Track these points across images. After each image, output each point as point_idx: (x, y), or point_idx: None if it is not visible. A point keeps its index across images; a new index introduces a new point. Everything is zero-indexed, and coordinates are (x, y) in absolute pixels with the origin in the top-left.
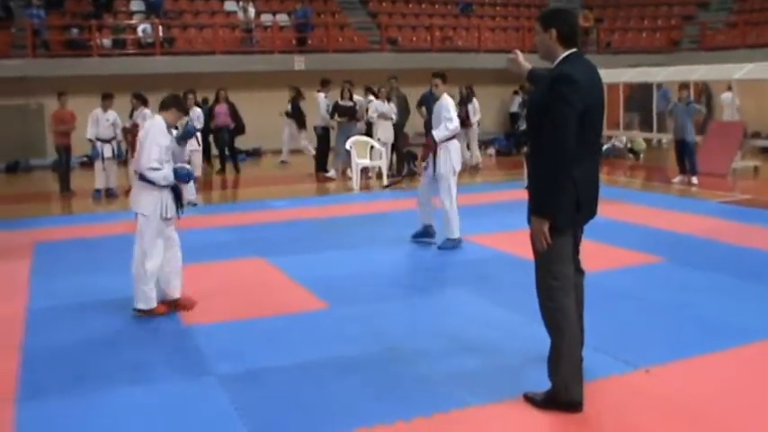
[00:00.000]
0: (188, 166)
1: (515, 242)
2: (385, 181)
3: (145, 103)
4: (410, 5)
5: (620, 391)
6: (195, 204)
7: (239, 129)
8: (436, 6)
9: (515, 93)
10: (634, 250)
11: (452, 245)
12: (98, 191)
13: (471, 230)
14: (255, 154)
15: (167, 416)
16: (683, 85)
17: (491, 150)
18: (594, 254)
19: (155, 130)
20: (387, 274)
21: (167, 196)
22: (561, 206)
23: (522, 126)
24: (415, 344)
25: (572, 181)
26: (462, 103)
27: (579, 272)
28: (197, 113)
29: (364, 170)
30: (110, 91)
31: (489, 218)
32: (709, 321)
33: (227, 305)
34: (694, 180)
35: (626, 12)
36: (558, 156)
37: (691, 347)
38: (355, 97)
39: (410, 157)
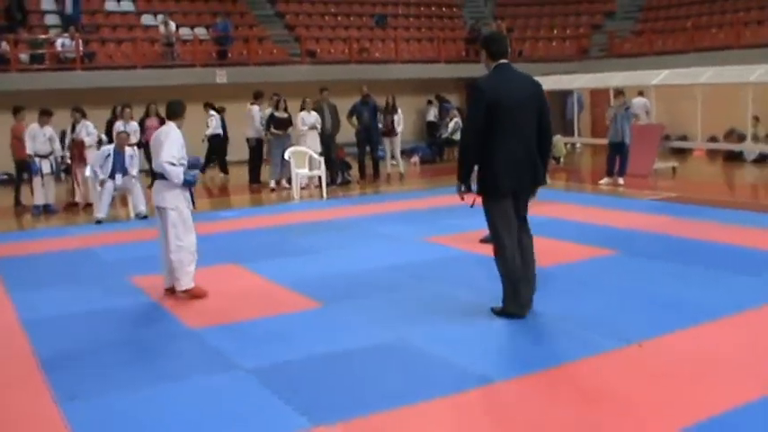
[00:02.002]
0: (195, 172)
1: (470, 241)
2: (324, 190)
3: (84, 116)
4: (326, 18)
5: (622, 361)
6: (146, 216)
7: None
8: (351, 18)
9: (429, 102)
10: (586, 245)
11: None
12: (37, 207)
13: (426, 233)
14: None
15: (215, 405)
16: (619, 92)
17: (415, 159)
18: (551, 249)
19: (175, 134)
20: (366, 273)
21: (185, 191)
22: (467, 177)
23: (444, 134)
24: (419, 330)
25: (491, 160)
26: (388, 113)
27: (525, 233)
28: (133, 127)
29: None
30: (48, 107)
31: (435, 222)
32: (674, 302)
33: (224, 308)
34: (621, 181)
35: (536, 21)
36: (464, 142)
37: (667, 324)
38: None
39: (343, 167)
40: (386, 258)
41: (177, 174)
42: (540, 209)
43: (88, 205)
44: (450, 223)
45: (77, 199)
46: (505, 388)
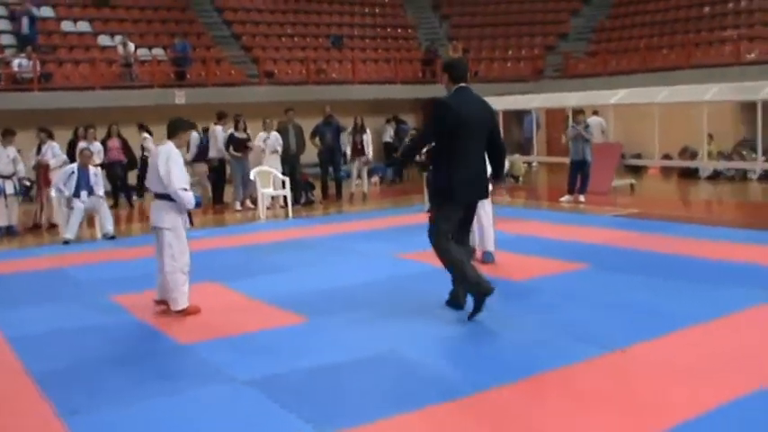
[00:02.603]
0: (198, 196)
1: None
2: (290, 210)
3: (51, 136)
4: (282, 39)
5: (606, 367)
6: (113, 237)
7: (131, 163)
8: (308, 39)
9: (388, 122)
10: (557, 260)
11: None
12: None
13: (396, 250)
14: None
15: (221, 416)
16: (579, 111)
17: (375, 179)
18: (524, 264)
19: (175, 155)
20: (345, 288)
21: (183, 211)
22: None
23: None
24: (406, 342)
25: (450, 175)
26: (357, 133)
27: (460, 243)
28: (97, 148)
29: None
30: (11, 127)
31: (403, 239)
32: (649, 311)
33: (211, 324)
34: (582, 198)
35: (490, 42)
36: (413, 143)
37: (645, 332)
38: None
39: (307, 187)
40: (361, 274)
41: (189, 199)
42: (506, 226)
43: (52, 226)
44: (419, 240)
45: (42, 220)
46: (496, 395)
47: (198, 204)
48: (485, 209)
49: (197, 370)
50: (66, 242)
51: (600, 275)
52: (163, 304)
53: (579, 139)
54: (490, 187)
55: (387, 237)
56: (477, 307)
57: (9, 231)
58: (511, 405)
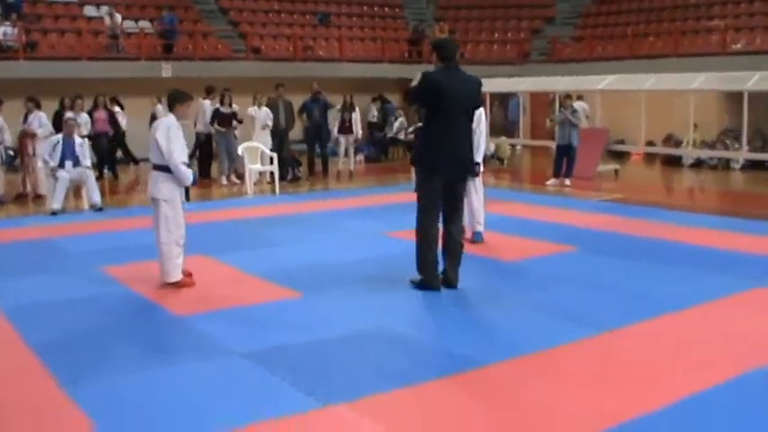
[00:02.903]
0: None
1: None
2: (277, 186)
3: (38, 106)
4: (270, 15)
5: (599, 347)
6: (101, 208)
7: (118, 135)
8: (295, 16)
9: (374, 101)
10: (546, 241)
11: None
12: None
13: (385, 228)
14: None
15: (221, 388)
16: (567, 96)
17: (360, 157)
18: (513, 245)
19: (175, 130)
20: (336, 265)
21: (181, 184)
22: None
23: (390, 133)
24: (401, 318)
25: (431, 145)
26: (346, 111)
27: (455, 219)
28: (84, 119)
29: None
30: None
31: (391, 218)
32: (638, 294)
33: (205, 297)
34: (567, 182)
35: (476, 24)
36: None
37: (635, 314)
38: (235, 106)
39: (293, 163)
40: (351, 251)
41: (188, 175)
42: (493, 207)
43: (38, 196)
44: (407, 219)
45: (28, 190)
46: (488, 372)
47: (194, 182)
48: (476, 188)
49: (195, 342)
50: (54, 213)
51: (588, 258)
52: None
53: (566, 124)
54: (481, 168)
55: (374, 214)
56: (416, 285)
57: None
58: (503, 382)
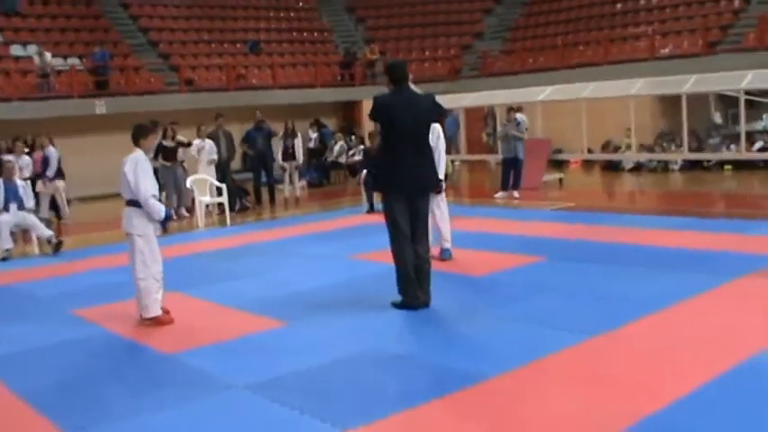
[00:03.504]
0: (169, 209)
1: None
2: (228, 216)
3: None
4: (199, 45)
5: (590, 353)
6: (59, 242)
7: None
8: (225, 45)
9: (311, 125)
10: (513, 253)
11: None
12: None
13: (349, 251)
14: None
15: (233, 422)
16: (510, 108)
17: (302, 182)
18: (480, 259)
19: (143, 164)
20: (312, 291)
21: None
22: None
23: (330, 157)
24: (391, 339)
25: (386, 168)
26: (288, 137)
27: (420, 238)
28: (26, 161)
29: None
30: None
31: (351, 240)
32: (616, 297)
33: (188, 332)
34: (516, 194)
35: (406, 44)
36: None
37: (618, 318)
38: (178, 137)
39: (240, 193)
40: (321, 277)
41: (159, 210)
42: (452, 223)
43: None
44: (368, 241)
45: None
46: (489, 386)
47: (168, 217)
48: (439, 206)
49: (190, 378)
50: (5, 258)
51: (558, 266)
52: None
53: (510, 137)
54: (443, 185)
55: (332, 239)
56: (397, 305)
57: None
58: (506, 395)
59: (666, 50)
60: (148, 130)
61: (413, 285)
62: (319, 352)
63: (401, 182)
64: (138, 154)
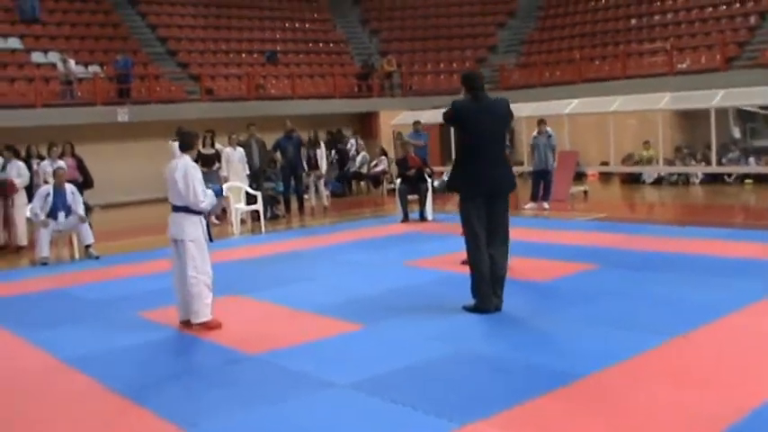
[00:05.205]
0: (217, 186)
1: (451, 263)
2: (263, 224)
3: (17, 154)
4: (218, 55)
5: (680, 352)
6: (98, 257)
7: (87, 183)
8: (243, 56)
9: (329, 142)
10: (565, 261)
11: None
12: None
13: (400, 258)
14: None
15: (347, 418)
16: (541, 120)
17: (327, 192)
18: (533, 266)
19: (191, 169)
20: (376, 296)
21: (203, 221)
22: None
23: (353, 168)
24: (473, 341)
25: (460, 172)
26: (311, 147)
27: (496, 243)
28: (62, 164)
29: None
30: None
31: (398, 247)
32: (679, 303)
33: (267, 334)
34: (546, 206)
35: (421, 56)
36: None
37: (693, 320)
38: (217, 145)
39: (271, 201)
40: (380, 283)
41: (209, 204)
42: None
43: (19, 248)
44: (418, 248)
45: (8, 241)
46: (594, 381)
47: (219, 193)
48: None
49: (288, 378)
50: (45, 263)
51: (613, 273)
52: (187, 325)
53: (542, 149)
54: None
55: (380, 246)
56: (470, 309)
57: None
58: (609, 391)
59: (684, 65)
60: (197, 138)
61: (487, 289)
62: (409, 353)
63: (479, 185)
64: (187, 159)
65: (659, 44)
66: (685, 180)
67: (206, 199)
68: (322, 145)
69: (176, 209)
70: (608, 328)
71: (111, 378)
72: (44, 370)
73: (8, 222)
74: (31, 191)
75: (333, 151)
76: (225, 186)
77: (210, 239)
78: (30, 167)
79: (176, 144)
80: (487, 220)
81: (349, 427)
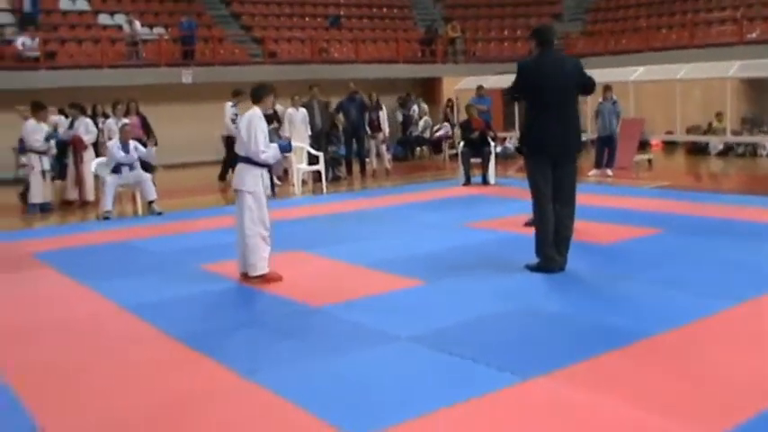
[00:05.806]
0: (285, 141)
1: (514, 225)
2: (324, 185)
3: (83, 112)
4: (281, 18)
5: (749, 316)
6: (160, 213)
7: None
8: (306, 19)
9: (400, 105)
10: (631, 225)
11: None
12: (34, 205)
13: (461, 220)
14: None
15: (409, 370)
16: (607, 87)
17: (388, 156)
18: (602, 230)
19: (256, 120)
20: (438, 254)
21: (266, 176)
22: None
23: (415, 132)
24: (538, 298)
25: (530, 131)
26: (372, 110)
27: (561, 202)
28: (111, 126)
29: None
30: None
31: (459, 210)
32: (747, 268)
33: (330, 288)
34: (609, 172)
35: (485, 23)
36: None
37: (759, 287)
38: (277, 106)
39: (333, 163)
40: (445, 242)
41: (273, 156)
42: None
43: (84, 203)
44: (478, 211)
45: (75, 197)
46: (661, 340)
47: (286, 147)
48: None
49: (350, 331)
50: (107, 217)
51: (680, 238)
52: (246, 277)
53: (607, 115)
54: None
55: (440, 207)
56: (533, 268)
57: (43, 208)
58: (676, 351)
59: (754, 35)
60: (270, 90)
61: (551, 248)
62: (471, 308)
63: (546, 145)
64: (255, 111)
65: (729, 13)
66: (753, 151)
67: (268, 150)
68: (383, 108)
69: (240, 159)
70: (673, 290)
71: (170, 325)
72: (104, 314)
73: (79, 178)
74: (96, 148)
75: (399, 113)
76: None
77: (274, 194)
78: (96, 125)
79: (229, 104)
80: (554, 181)
81: (411, 380)
